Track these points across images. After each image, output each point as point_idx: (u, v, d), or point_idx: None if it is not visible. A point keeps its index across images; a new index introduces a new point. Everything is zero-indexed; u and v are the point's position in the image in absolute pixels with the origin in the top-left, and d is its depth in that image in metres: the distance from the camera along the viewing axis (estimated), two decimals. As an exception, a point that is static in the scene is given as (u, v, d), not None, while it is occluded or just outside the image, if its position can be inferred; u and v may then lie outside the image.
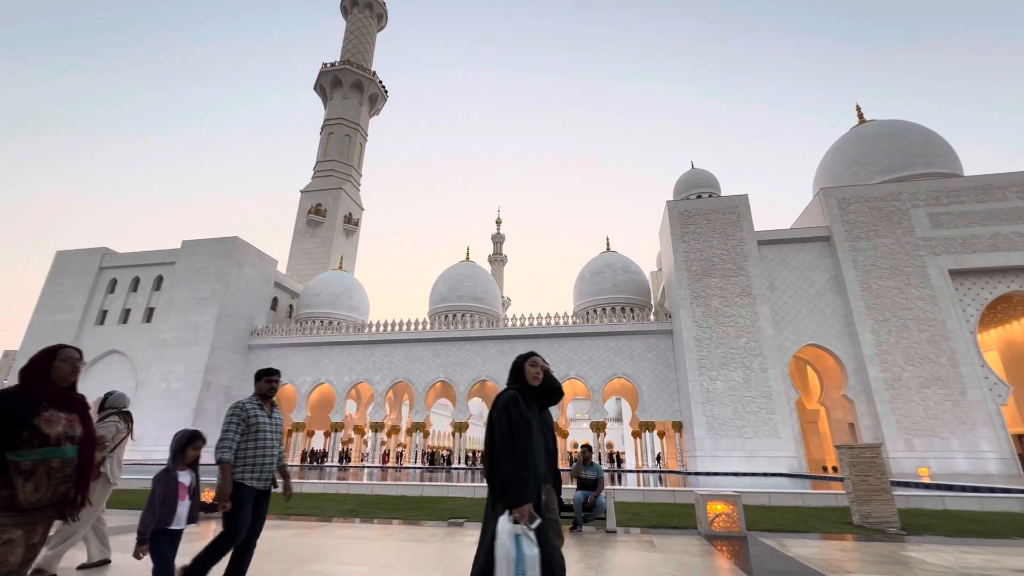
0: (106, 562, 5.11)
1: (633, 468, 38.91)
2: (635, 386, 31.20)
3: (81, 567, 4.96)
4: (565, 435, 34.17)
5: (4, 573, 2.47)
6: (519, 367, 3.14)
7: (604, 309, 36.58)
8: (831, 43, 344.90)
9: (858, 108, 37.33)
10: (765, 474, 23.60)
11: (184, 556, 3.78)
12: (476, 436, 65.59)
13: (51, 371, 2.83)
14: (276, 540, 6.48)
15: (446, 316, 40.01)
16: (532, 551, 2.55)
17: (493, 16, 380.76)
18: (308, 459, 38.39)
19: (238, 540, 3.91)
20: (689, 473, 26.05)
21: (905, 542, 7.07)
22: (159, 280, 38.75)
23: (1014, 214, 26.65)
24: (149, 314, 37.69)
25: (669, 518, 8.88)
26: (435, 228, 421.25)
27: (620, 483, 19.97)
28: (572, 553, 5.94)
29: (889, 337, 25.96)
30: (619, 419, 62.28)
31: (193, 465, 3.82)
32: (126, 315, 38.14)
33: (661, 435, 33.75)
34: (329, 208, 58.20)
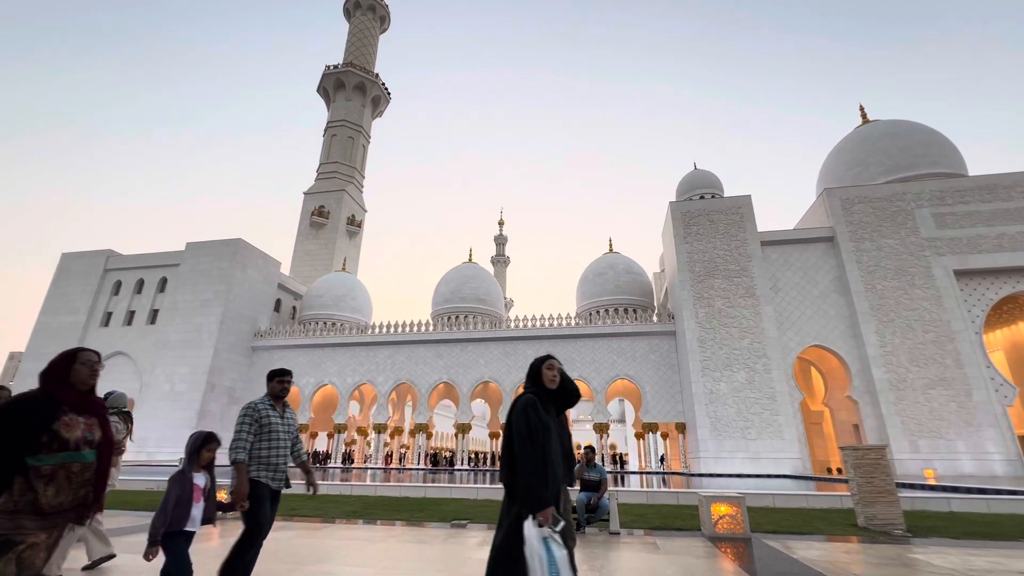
0: (111, 556, 5.09)
1: (636, 470, 38.76)
2: (638, 387, 31.16)
3: (85, 568, 4.93)
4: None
5: None
6: (536, 370, 3.15)
7: (607, 310, 36.56)
8: (833, 43, 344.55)
9: (861, 108, 37.23)
10: (769, 476, 23.51)
11: (192, 555, 3.79)
12: (479, 437, 65.52)
13: (70, 374, 2.81)
14: (280, 541, 6.49)
15: (449, 317, 40.05)
16: (561, 552, 2.62)
17: (494, 17, 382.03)
18: (311, 461, 38.47)
19: (263, 536, 3.96)
20: (693, 475, 25.99)
21: (911, 544, 7.02)
22: (163, 282, 38.95)
23: (1019, 214, 26.48)
24: (153, 316, 37.91)
25: (673, 520, 8.85)
26: (438, 229, 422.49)
27: (623, 485, 19.94)
28: (576, 555, 5.90)
29: (894, 338, 25.81)
30: (622, 420, 62.09)
31: (208, 467, 3.83)
32: (131, 317, 38.36)
33: (664, 436, 33.67)
34: (332, 210, 58.40)
